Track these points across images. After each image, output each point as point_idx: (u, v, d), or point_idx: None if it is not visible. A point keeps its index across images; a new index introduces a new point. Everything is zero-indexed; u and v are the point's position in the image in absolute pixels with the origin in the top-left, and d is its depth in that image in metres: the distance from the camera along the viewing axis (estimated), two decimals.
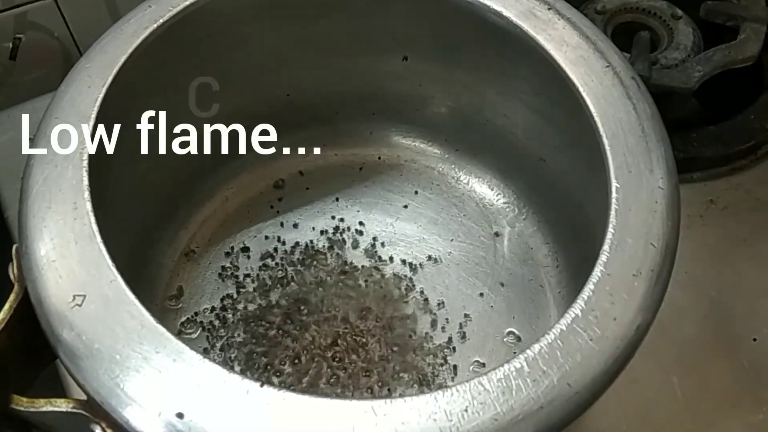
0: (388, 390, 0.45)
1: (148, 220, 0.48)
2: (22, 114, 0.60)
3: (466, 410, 0.28)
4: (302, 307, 0.49)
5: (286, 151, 0.54)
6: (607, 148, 0.36)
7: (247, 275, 0.50)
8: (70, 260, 0.32)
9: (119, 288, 0.31)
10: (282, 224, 0.53)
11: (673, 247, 0.34)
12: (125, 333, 0.30)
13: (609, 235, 0.33)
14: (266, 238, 0.52)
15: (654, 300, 0.32)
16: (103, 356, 0.30)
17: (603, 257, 0.33)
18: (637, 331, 0.31)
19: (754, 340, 0.50)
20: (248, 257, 0.51)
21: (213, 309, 0.49)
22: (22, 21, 0.61)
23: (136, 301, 0.31)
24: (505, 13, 0.41)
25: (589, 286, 0.32)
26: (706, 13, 0.62)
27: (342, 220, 0.53)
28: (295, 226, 0.52)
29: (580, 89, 0.38)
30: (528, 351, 0.30)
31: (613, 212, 0.34)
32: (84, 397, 0.31)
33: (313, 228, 0.52)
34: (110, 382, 0.29)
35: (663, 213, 0.34)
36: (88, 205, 0.33)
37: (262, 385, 0.29)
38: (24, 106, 0.61)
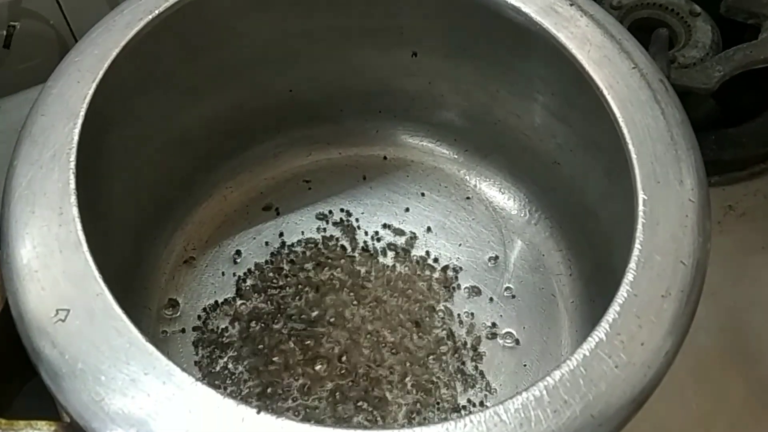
0: (390, 402, 0.43)
1: (142, 220, 0.46)
2: (14, 105, 0.58)
3: None
4: (304, 315, 0.47)
5: (288, 149, 0.53)
6: (634, 156, 0.34)
7: (246, 280, 0.48)
8: (53, 270, 0.30)
9: (106, 302, 0.29)
10: (283, 226, 0.51)
11: (704, 265, 0.32)
12: (111, 352, 0.28)
13: (636, 252, 0.31)
14: (266, 240, 0.50)
15: (684, 323, 0.30)
16: (87, 376, 0.28)
17: (629, 276, 0.30)
18: (665, 357, 0.29)
19: None
20: (247, 261, 0.49)
21: (210, 316, 0.47)
22: (16, 8, 0.60)
23: (124, 317, 0.29)
24: (524, 9, 0.38)
25: (615, 308, 0.30)
26: (727, 10, 0.60)
27: (345, 222, 0.51)
28: (297, 227, 0.50)
29: (605, 92, 0.36)
30: (548, 378, 0.27)
31: (640, 226, 0.32)
32: (67, 419, 0.29)
33: (316, 230, 0.50)
34: (94, 404, 0.27)
35: (694, 228, 0.32)
36: (75, 211, 0.31)
37: (258, 412, 0.27)
38: (17, 97, 0.59)
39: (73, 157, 0.32)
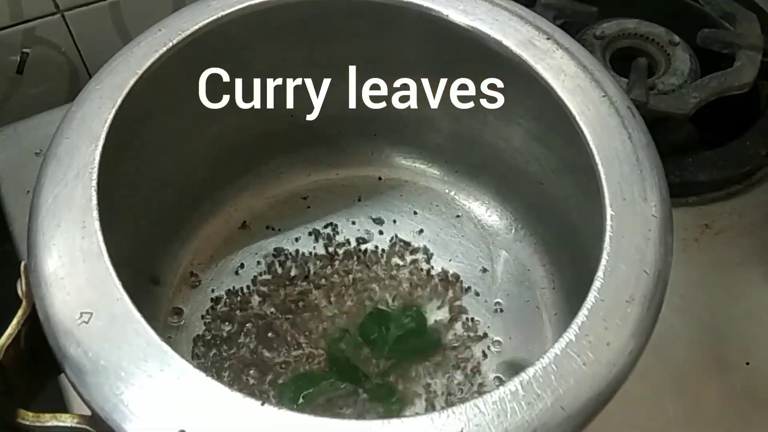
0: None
1: (153, 236, 0.49)
2: (28, 128, 0.61)
3: None
4: (301, 322, 0.49)
5: (288, 170, 0.56)
6: (603, 175, 0.37)
7: (249, 292, 0.51)
8: (77, 278, 0.33)
9: (125, 306, 0.32)
10: (283, 242, 0.53)
11: (665, 274, 0.35)
12: (131, 350, 0.31)
13: (603, 262, 0.34)
14: (266, 255, 0.53)
15: (646, 326, 0.33)
16: (108, 373, 0.31)
17: (597, 283, 0.33)
18: (629, 356, 0.32)
19: (747, 364, 0.51)
20: (248, 274, 0.52)
21: (213, 323, 0.50)
22: (30, 36, 0.63)
23: (142, 320, 0.32)
24: (505, 42, 0.42)
25: (584, 312, 0.33)
26: (703, 41, 0.63)
27: (342, 239, 0.54)
28: (296, 243, 0.53)
29: (577, 118, 0.39)
30: (523, 374, 0.30)
31: (607, 239, 0.35)
32: (88, 412, 0.32)
33: (314, 247, 0.53)
34: (115, 398, 0.30)
35: (656, 240, 0.35)
36: (97, 224, 0.34)
37: (263, 404, 0.30)
38: (30, 121, 0.62)
39: (95, 176, 0.35)
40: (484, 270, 0.52)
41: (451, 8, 0.43)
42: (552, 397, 0.30)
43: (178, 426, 0.29)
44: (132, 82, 0.39)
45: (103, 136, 0.37)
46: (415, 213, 0.55)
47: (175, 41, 0.41)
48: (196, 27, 0.42)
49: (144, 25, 0.43)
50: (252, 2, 0.43)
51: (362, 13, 0.47)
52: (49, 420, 0.32)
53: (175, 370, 0.31)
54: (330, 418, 0.29)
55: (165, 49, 0.40)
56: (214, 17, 0.42)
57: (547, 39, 0.41)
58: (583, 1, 0.64)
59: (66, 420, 0.31)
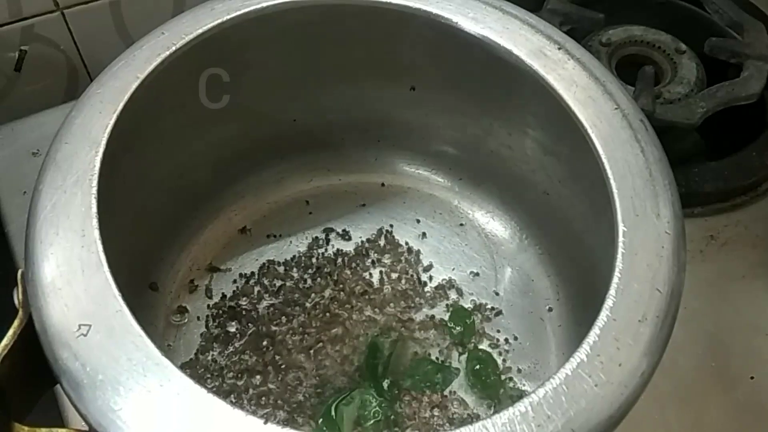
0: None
1: (151, 242, 0.48)
2: (25, 128, 0.61)
3: None
4: (301, 327, 0.49)
5: (290, 175, 0.55)
6: (615, 190, 0.36)
7: (248, 299, 0.50)
8: (76, 288, 0.32)
9: (125, 318, 0.31)
10: (284, 248, 0.53)
11: (678, 293, 0.34)
12: (130, 365, 0.30)
13: (615, 280, 0.33)
14: (267, 261, 0.52)
15: (659, 346, 0.32)
16: (106, 387, 0.30)
17: (609, 302, 0.33)
18: (641, 377, 0.31)
19: (752, 378, 0.51)
20: (249, 281, 0.51)
21: (216, 330, 0.49)
22: (28, 33, 0.62)
23: (142, 333, 0.31)
24: (516, 51, 0.41)
25: (595, 331, 0.32)
26: (711, 50, 0.62)
27: (343, 246, 0.53)
28: (297, 250, 0.53)
29: (589, 130, 0.38)
30: (533, 395, 0.30)
31: (619, 256, 0.34)
32: (85, 426, 0.31)
33: (314, 253, 0.53)
34: (113, 413, 0.29)
35: (669, 258, 0.34)
36: (96, 233, 0.33)
37: (266, 423, 0.29)
38: (27, 121, 0.61)
39: (95, 183, 0.35)
40: (488, 280, 0.52)
41: (460, 15, 0.43)
42: (563, 419, 0.29)
43: None
44: (134, 87, 0.38)
45: (104, 141, 0.36)
46: (418, 221, 0.54)
47: (178, 45, 0.40)
48: (199, 31, 0.41)
49: (144, 25, 0.43)
50: (255, 6, 0.43)
51: (367, 17, 0.46)
52: None
53: (174, 385, 0.30)
54: None
55: (167, 53, 0.40)
56: (218, 21, 0.42)
57: (559, 49, 0.41)
58: (589, 7, 0.64)
59: None
